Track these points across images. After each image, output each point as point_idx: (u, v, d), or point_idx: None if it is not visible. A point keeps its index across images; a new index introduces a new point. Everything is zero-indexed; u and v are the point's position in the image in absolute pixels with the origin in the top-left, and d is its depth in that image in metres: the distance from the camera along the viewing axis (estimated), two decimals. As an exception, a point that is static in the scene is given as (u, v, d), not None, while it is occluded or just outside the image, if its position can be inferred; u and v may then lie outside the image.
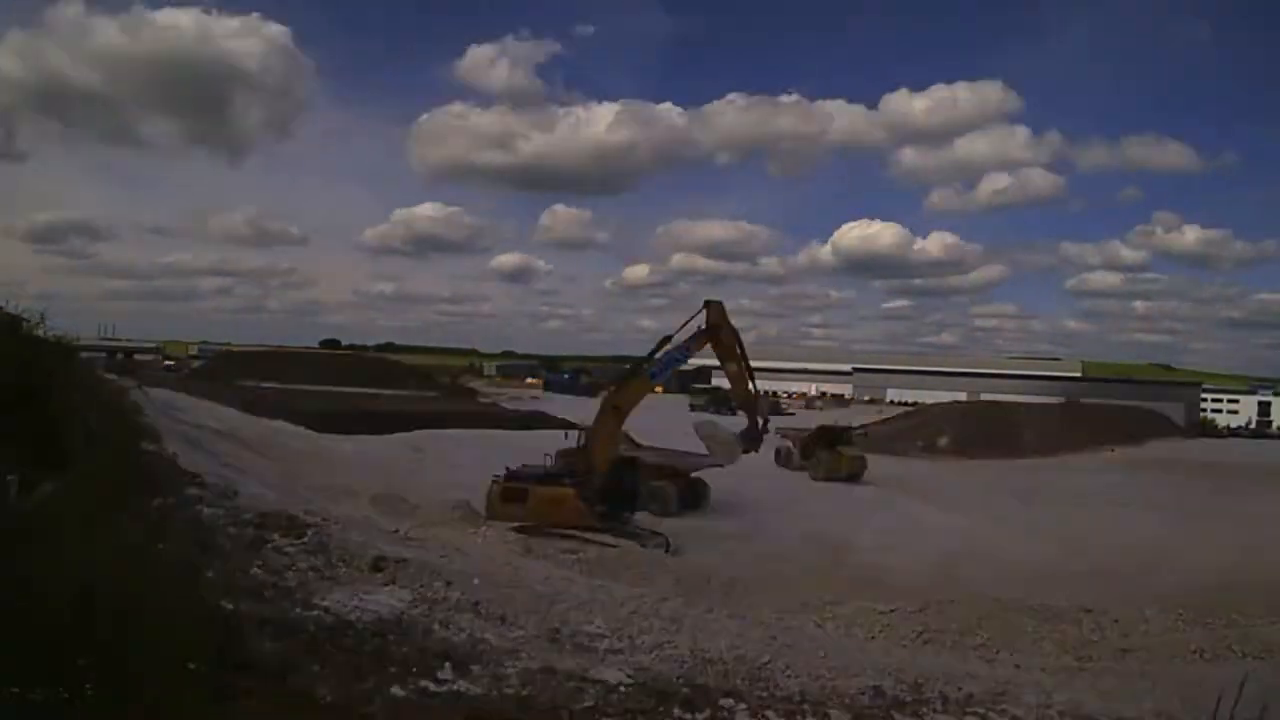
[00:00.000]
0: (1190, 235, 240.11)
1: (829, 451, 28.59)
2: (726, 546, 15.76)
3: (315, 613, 5.75)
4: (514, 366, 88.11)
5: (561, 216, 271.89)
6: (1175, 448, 45.77)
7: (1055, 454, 39.86)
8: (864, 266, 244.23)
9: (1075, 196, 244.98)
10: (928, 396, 74.62)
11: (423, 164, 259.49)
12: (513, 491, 15.36)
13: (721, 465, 18.96)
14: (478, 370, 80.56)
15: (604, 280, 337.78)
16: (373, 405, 40.73)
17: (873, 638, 9.62)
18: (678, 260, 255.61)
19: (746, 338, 17.85)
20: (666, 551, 14.46)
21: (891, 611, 10.58)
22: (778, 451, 30.87)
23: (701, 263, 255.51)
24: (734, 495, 21.05)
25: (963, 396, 71.93)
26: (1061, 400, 63.97)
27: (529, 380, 74.66)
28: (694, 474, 20.28)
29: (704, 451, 18.92)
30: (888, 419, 51.58)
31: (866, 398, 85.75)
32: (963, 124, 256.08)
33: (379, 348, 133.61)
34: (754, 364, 17.42)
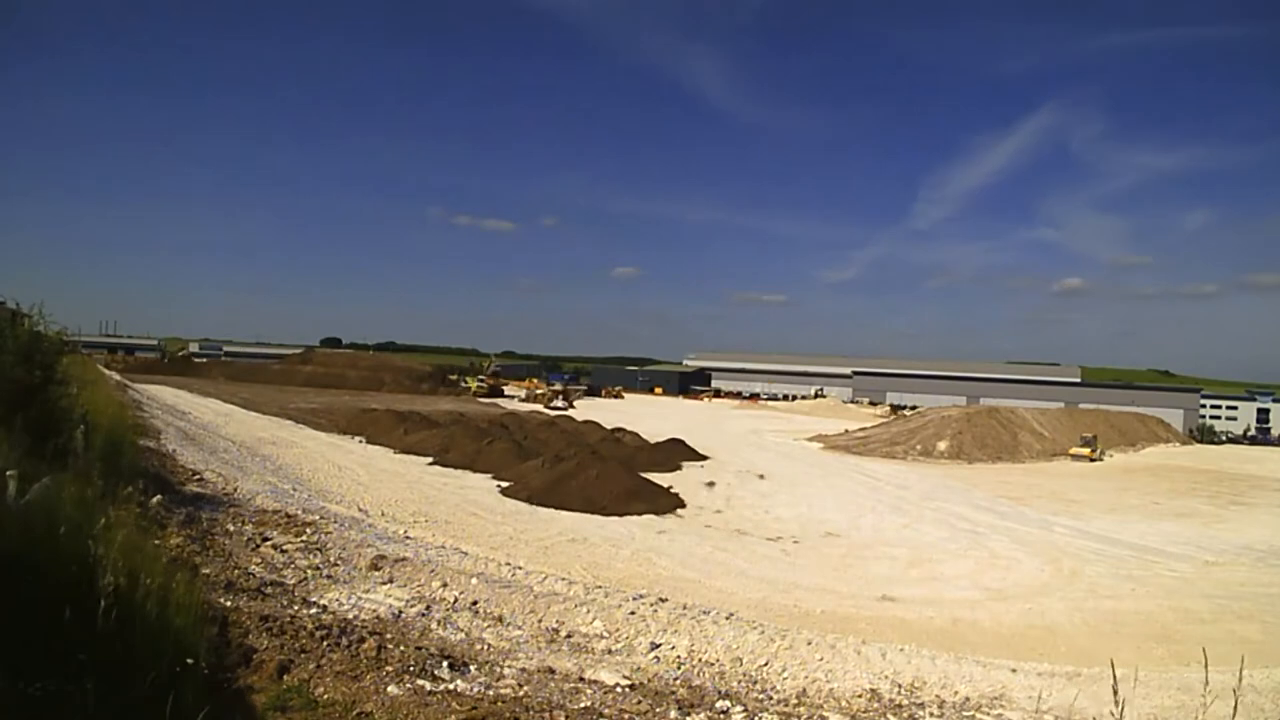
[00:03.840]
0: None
1: None
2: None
3: (313, 610, 5.77)
4: (515, 367, 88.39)
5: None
6: (1170, 453, 45.85)
7: (1052, 458, 39.92)
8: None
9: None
10: (928, 401, 74.54)
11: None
12: None
13: None
14: (479, 370, 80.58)
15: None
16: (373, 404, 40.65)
17: (865, 641, 9.64)
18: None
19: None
20: None
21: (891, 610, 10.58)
22: None
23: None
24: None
25: (962, 401, 71.84)
26: (1061, 405, 63.95)
27: (530, 380, 74.60)
28: None
29: None
30: (885, 423, 51.58)
31: (866, 400, 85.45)
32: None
33: (379, 347, 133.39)
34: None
